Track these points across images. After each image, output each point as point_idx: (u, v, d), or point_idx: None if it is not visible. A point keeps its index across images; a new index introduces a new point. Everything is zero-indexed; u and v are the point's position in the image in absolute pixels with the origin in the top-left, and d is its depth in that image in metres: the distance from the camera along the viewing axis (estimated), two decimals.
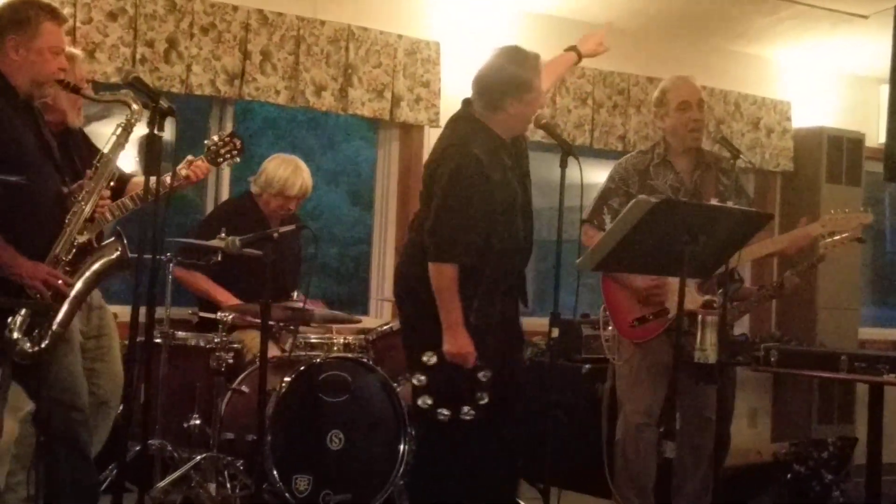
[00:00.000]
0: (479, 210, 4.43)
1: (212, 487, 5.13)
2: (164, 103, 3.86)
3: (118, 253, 4.13)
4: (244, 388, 5.27)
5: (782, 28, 7.74)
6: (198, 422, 5.33)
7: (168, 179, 4.23)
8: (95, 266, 4.11)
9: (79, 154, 4.38)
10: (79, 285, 4.05)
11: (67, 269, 4.03)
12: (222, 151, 4.67)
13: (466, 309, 4.43)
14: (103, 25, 5.76)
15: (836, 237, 5.16)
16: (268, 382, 4.70)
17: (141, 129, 3.99)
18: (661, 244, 4.19)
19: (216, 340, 5.30)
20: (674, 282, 5.05)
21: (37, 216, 3.96)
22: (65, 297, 3.99)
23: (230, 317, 5.35)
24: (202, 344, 5.39)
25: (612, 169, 5.42)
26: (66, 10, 5.59)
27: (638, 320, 5.20)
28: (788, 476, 6.55)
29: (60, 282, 3.96)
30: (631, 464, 5.16)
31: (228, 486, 5.22)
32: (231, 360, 5.32)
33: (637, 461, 5.14)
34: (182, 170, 4.57)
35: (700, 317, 4.40)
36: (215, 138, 4.69)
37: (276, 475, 5.05)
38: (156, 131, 3.83)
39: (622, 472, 5.20)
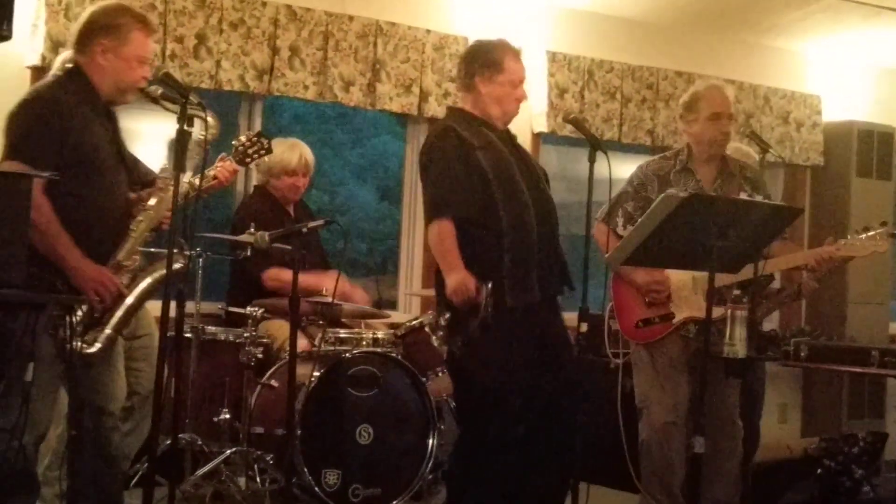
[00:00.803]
0: (464, 169, 4.48)
1: (241, 481, 5.16)
2: (193, 99, 3.88)
3: (181, 265, 4.14)
4: (273, 383, 5.29)
5: (812, 21, 7.70)
6: (227, 416, 5.36)
7: (196, 181, 4.24)
8: (155, 276, 4.12)
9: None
10: (136, 293, 4.06)
11: (127, 276, 4.06)
12: (250, 151, 4.68)
13: (499, 289, 4.44)
14: None
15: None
16: (297, 377, 4.72)
17: (169, 124, 4.00)
18: (690, 239, 4.18)
19: (245, 335, 5.32)
20: (676, 280, 5.06)
21: (105, 221, 3.97)
22: (120, 302, 4.01)
23: (259, 311, 5.37)
24: (232, 338, 5.41)
25: (633, 171, 5.39)
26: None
27: (643, 321, 5.18)
28: (818, 471, 6.51)
29: (117, 288, 3.98)
30: (657, 464, 5.13)
31: (258, 479, 5.25)
32: (260, 355, 5.34)
33: (663, 461, 5.11)
34: (210, 171, 4.60)
35: (729, 311, 4.37)
36: (242, 138, 4.70)
37: (306, 469, 5.07)
38: (185, 127, 3.85)
39: (648, 471, 5.17)
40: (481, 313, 4.39)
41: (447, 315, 4.49)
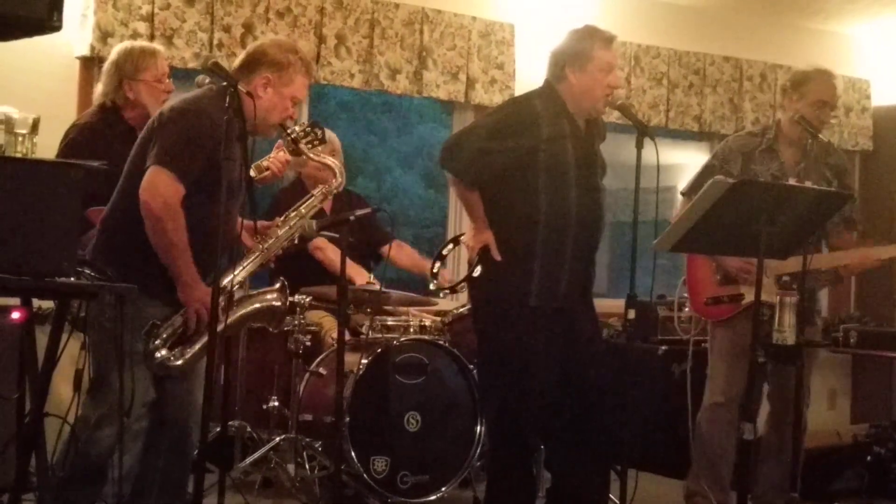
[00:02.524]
0: (512, 146, 4.44)
1: (291, 468, 5.19)
2: (241, 88, 3.90)
3: (279, 304, 4.18)
4: (322, 370, 5.31)
5: (861, 4, 7.63)
6: (276, 403, 5.40)
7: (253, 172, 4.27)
8: (253, 307, 4.17)
9: None
10: (229, 321, 4.06)
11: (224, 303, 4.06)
12: (304, 141, 4.66)
13: (525, 286, 4.43)
14: (181, 11, 5.83)
15: None
16: (345, 364, 4.74)
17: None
18: (738, 225, 4.16)
19: (294, 323, 5.35)
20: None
21: (217, 243, 3.99)
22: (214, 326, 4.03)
23: (308, 299, 5.39)
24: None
25: (718, 146, 5.39)
26: None
27: (712, 299, 5.17)
28: (868, 458, 6.47)
29: (206, 313, 3.97)
30: (706, 444, 5.14)
31: (307, 466, 5.29)
32: (308, 343, 5.37)
33: (711, 441, 5.12)
34: (264, 162, 4.62)
35: (778, 297, 4.35)
36: (296, 128, 4.68)
37: (354, 456, 5.09)
38: (233, 116, 3.87)
39: (697, 453, 5.18)
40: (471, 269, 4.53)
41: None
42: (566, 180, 4.46)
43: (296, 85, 4.16)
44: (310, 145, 4.56)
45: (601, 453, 4.58)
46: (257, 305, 4.18)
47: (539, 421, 4.52)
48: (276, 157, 4.66)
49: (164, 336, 3.96)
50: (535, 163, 4.43)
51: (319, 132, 4.67)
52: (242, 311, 4.15)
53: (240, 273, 4.10)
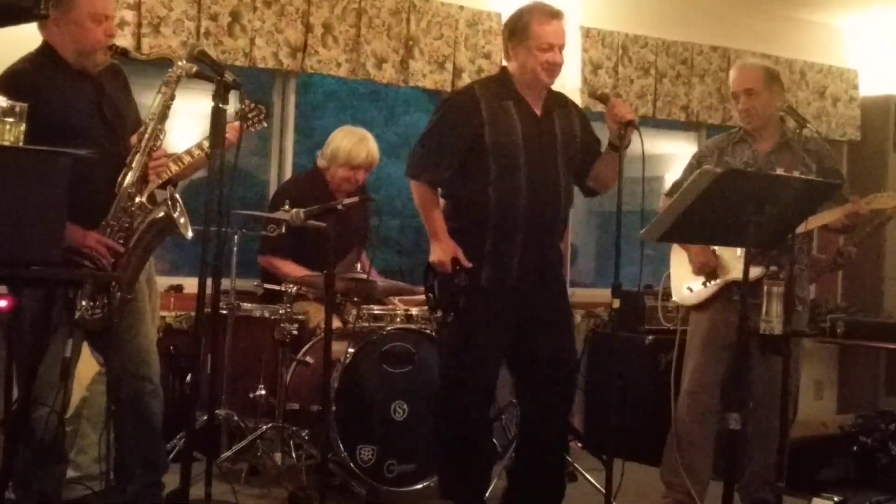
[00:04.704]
0: (464, 137, 4.49)
1: (277, 457, 5.19)
2: (228, 76, 3.88)
3: (163, 213, 4.11)
4: (309, 359, 5.31)
5: None
6: (263, 392, 5.39)
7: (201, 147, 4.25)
8: (147, 221, 4.11)
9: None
10: (132, 246, 4.05)
11: (121, 234, 4.06)
12: (250, 115, 4.66)
13: (477, 268, 4.49)
14: (168, 0, 5.80)
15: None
16: (332, 353, 4.73)
17: (204, 102, 4.00)
18: (725, 214, 4.16)
19: (281, 312, 5.34)
20: (722, 251, 5.08)
21: (91, 186, 3.95)
22: (118, 260, 4.02)
23: (295, 288, 5.39)
24: (267, 315, 5.43)
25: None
26: None
27: (690, 288, 5.25)
28: (855, 448, 6.50)
29: (107, 248, 3.99)
30: (681, 431, 5.18)
31: (294, 455, 5.29)
32: (295, 332, 5.36)
33: (682, 430, 5.17)
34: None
35: (766, 287, 4.35)
36: (243, 105, 4.67)
37: (341, 445, 5.08)
38: (220, 105, 3.86)
39: (673, 442, 5.21)
40: (458, 300, 4.47)
41: (433, 284, 4.56)
42: (514, 162, 4.50)
43: (82, 5, 4.03)
44: (255, 120, 4.57)
45: (555, 438, 4.75)
46: (146, 221, 4.11)
47: (481, 396, 4.62)
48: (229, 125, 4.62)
49: (83, 294, 3.94)
50: (482, 146, 4.48)
51: (263, 109, 4.66)
52: (138, 231, 4.09)
53: (115, 203, 4.06)
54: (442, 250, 4.51)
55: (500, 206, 4.49)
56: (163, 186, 4.16)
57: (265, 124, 4.68)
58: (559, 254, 4.79)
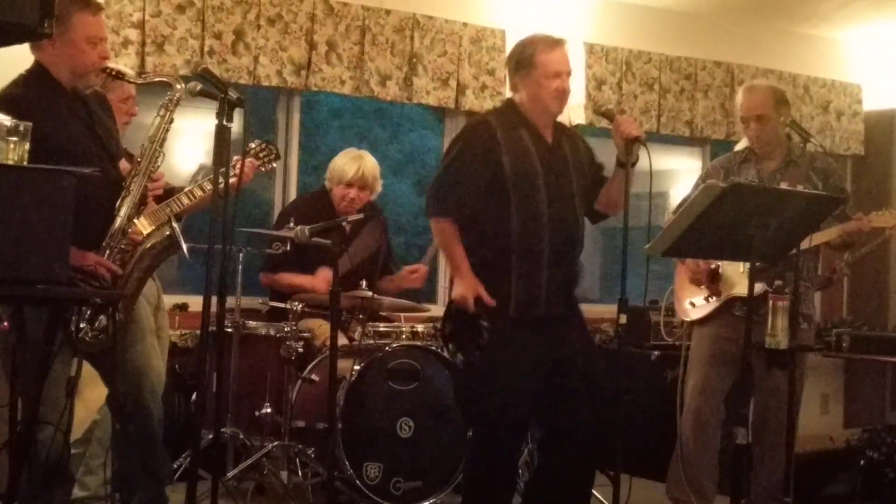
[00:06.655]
0: (484, 170, 4.41)
1: (283, 475, 5.18)
2: (232, 94, 3.88)
3: (167, 234, 4.11)
4: (314, 377, 5.31)
5: (852, 9, 7.64)
6: (269, 410, 5.38)
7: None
8: (145, 247, 4.11)
9: None
10: (129, 268, 4.06)
11: (119, 257, 4.05)
12: (261, 155, 4.72)
13: (504, 299, 4.39)
14: (172, 18, 5.82)
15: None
16: (338, 371, 4.73)
17: (208, 120, 4.00)
18: (730, 229, 4.16)
19: (286, 329, 5.35)
20: (725, 266, 5.09)
21: (88, 207, 3.95)
22: (117, 282, 4.02)
23: (300, 306, 5.39)
24: (272, 333, 5.44)
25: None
26: (136, 4, 5.69)
27: (692, 303, 5.28)
28: (861, 462, 6.48)
29: (105, 269, 3.98)
30: (685, 446, 5.18)
31: (300, 473, 5.28)
32: (301, 349, 5.36)
33: (690, 444, 5.17)
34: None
35: (770, 301, 4.35)
36: (253, 144, 4.71)
37: (347, 463, 5.08)
38: (224, 122, 3.86)
39: (678, 457, 5.20)
40: (481, 337, 4.38)
41: (454, 318, 4.46)
42: (536, 191, 4.44)
43: (78, 27, 4.02)
44: (266, 160, 4.63)
45: (586, 457, 4.55)
46: (149, 243, 4.11)
47: (517, 429, 4.52)
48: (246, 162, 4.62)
49: (84, 316, 3.95)
50: (502, 178, 4.41)
51: (274, 148, 4.78)
52: (137, 255, 4.09)
53: (117, 226, 4.06)
54: (465, 286, 4.40)
55: (523, 233, 4.42)
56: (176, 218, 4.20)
57: (274, 165, 4.74)
58: (577, 279, 4.74)
